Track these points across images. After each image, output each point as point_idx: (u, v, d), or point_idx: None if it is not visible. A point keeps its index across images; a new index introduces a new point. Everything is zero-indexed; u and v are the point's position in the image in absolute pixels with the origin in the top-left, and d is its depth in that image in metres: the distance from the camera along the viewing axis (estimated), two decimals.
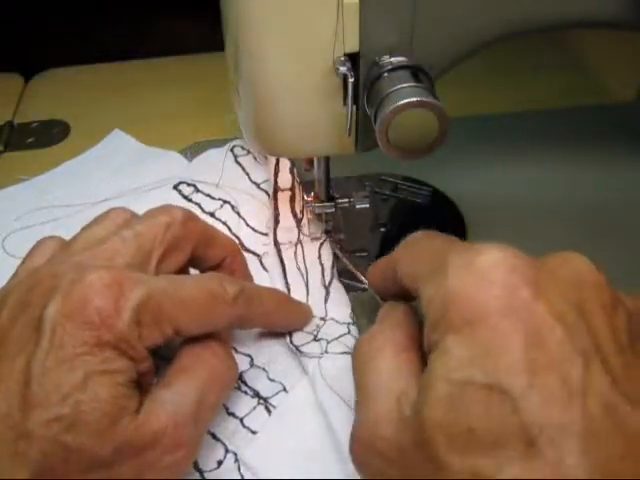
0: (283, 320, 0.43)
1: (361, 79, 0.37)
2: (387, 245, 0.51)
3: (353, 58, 0.36)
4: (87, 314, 0.30)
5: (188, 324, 0.34)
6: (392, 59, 0.36)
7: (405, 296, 0.34)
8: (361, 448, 0.30)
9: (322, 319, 0.44)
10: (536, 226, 0.51)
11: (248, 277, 0.44)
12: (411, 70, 0.36)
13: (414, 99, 0.34)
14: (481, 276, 0.27)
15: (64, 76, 0.73)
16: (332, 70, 0.37)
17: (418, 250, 0.34)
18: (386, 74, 0.36)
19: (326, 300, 0.45)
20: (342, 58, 0.36)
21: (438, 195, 0.55)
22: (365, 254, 0.50)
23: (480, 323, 0.26)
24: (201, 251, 0.39)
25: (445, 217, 0.53)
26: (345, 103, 0.38)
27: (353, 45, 0.36)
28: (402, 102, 0.34)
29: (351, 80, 0.36)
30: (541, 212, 0.52)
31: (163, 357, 0.37)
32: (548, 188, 0.54)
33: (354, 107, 0.38)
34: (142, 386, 0.33)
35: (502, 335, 0.25)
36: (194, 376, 0.35)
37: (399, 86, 0.35)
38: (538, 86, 0.66)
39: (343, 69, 0.36)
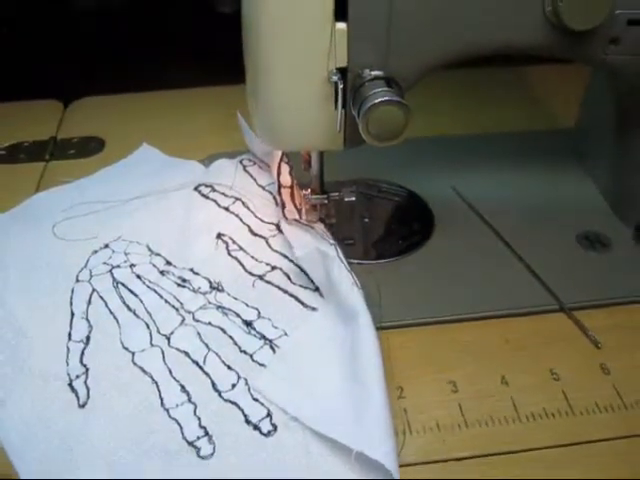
0: None
1: (348, 87, 0.47)
2: (371, 236, 0.62)
3: (342, 71, 0.46)
4: None
5: None
6: (372, 72, 0.47)
7: None
8: None
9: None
10: (491, 221, 0.62)
11: None
12: (385, 80, 0.46)
13: (386, 98, 0.44)
14: None
15: (99, 103, 0.83)
16: (326, 80, 0.47)
17: None
18: (367, 83, 0.46)
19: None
20: (334, 71, 0.46)
21: (413, 196, 0.66)
22: (352, 242, 0.61)
23: None
24: None
25: (418, 213, 0.64)
26: (336, 107, 0.48)
27: (342, 61, 0.46)
28: (377, 100, 0.44)
29: (341, 87, 0.46)
30: (495, 210, 0.63)
31: None
32: (501, 192, 0.66)
33: (343, 110, 0.48)
34: None
35: None
36: None
37: (375, 90, 0.45)
38: (494, 113, 0.79)
39: (335, 79, 0.46)
